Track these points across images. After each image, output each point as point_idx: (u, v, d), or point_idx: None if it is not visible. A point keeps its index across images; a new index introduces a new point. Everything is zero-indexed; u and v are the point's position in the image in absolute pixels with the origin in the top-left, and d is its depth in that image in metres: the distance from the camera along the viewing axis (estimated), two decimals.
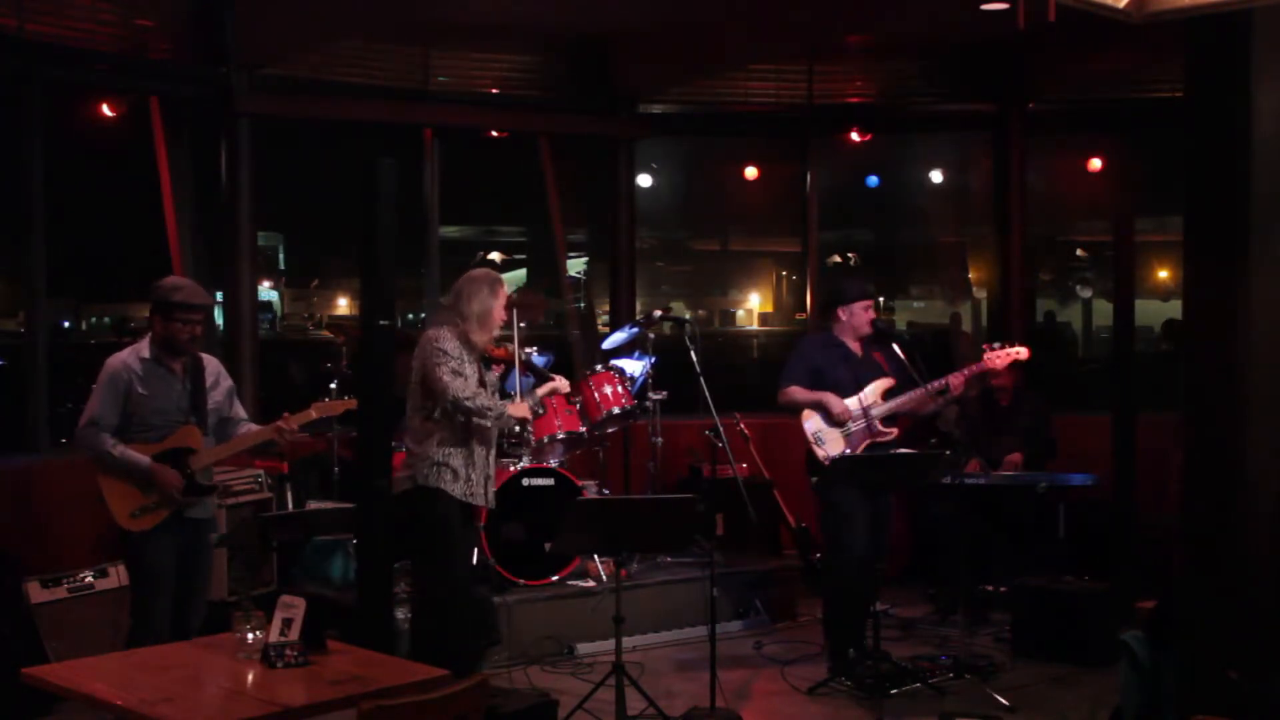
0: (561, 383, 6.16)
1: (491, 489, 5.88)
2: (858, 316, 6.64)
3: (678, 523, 5.70)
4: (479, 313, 5.75)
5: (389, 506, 5.62)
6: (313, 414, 5.49)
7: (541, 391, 6.11)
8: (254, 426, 5.59)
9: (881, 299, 14.31)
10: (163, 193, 8.15)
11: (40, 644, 5.98)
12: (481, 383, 5.80)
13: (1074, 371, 12.93)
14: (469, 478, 5.70)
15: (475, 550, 6.55)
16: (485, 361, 5.91)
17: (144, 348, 5.33)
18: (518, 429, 7.02)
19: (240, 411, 5.60)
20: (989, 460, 7.62)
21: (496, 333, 5.88)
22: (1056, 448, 7.85)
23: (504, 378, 6.59)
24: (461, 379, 5.62)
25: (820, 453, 6.49)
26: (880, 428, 6.54)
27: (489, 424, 5.74)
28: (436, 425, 5.68)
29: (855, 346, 6.68)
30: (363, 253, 5.51)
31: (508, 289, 5.92)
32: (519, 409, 5.89)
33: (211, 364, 5.51)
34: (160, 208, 8.16)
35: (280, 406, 5.68)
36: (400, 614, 6.19)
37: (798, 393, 6.59)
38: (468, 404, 5.59)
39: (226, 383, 5.56)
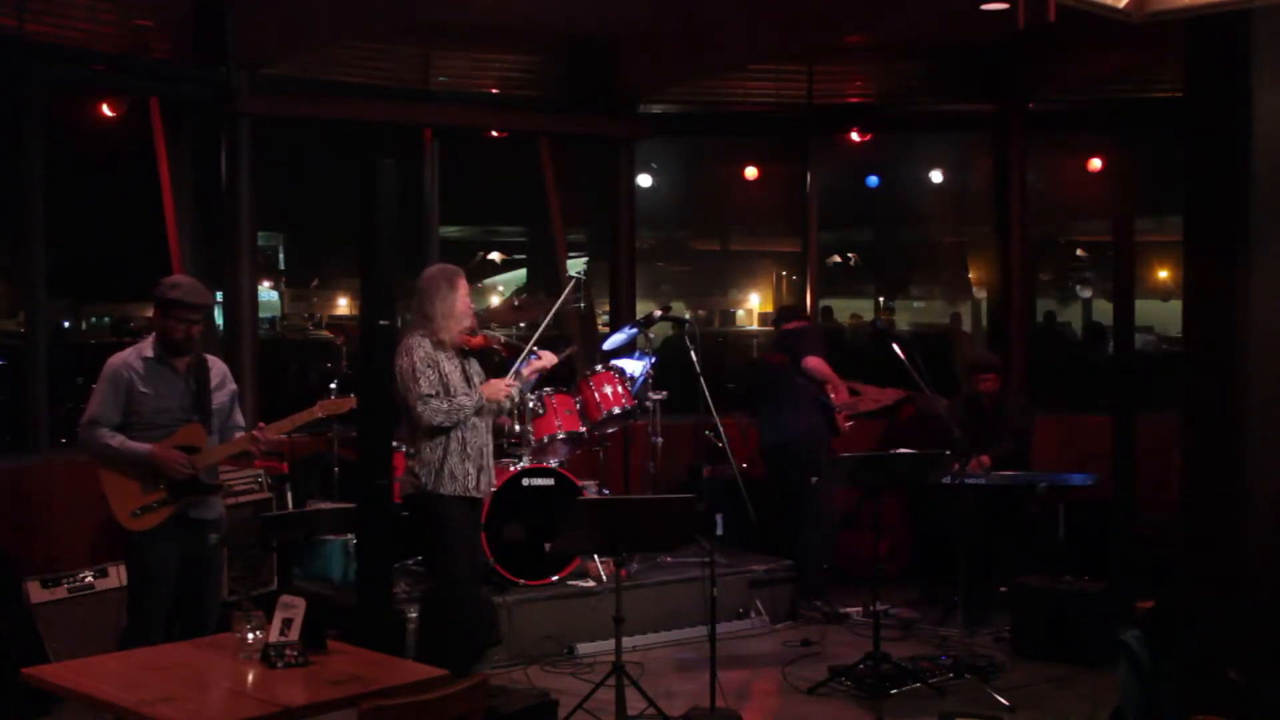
0: (547, 357, 6.13)
1: (488, 478, 5.86)
2: None
3: (678, 523, 5.71)
4: (443, 311, 5.70)
5: (392, 506, 5.63)
6: (318, 413, 5.44)
7: (527, 369, 6.06)
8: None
9: (881, 299, 14.32)
10: (163, 193, 8.14)
11: (40, 644, 5.98)
12: (465, 376, 5.79)
13: (1074, 371, 12.90)
14: (466, 473, 5.71)
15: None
16: (492, 356, 5.90)
17: (146, 347, 5.30)
18: (518, 428, 7.04)
19: (239, 418, 5.55)
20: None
21: (467, 323, 5.77)
22: (1029, 450, 7.91)
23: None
24: (435, 402, 5.60)
25: None
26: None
27: (480, 419, 5.76)
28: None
29: None
30: (363, 253, 5.52)
31: (504, 288, 5.89)
32: (492, 388, 5.78)
33: (217, 366, 5.47)
34: (160, 208, 8.14)
35: (280, 407, 5.66)
36: (411, 613, 6.23)
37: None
38: (448, 424, 5.62)
39: (231, 386, 5.51)
